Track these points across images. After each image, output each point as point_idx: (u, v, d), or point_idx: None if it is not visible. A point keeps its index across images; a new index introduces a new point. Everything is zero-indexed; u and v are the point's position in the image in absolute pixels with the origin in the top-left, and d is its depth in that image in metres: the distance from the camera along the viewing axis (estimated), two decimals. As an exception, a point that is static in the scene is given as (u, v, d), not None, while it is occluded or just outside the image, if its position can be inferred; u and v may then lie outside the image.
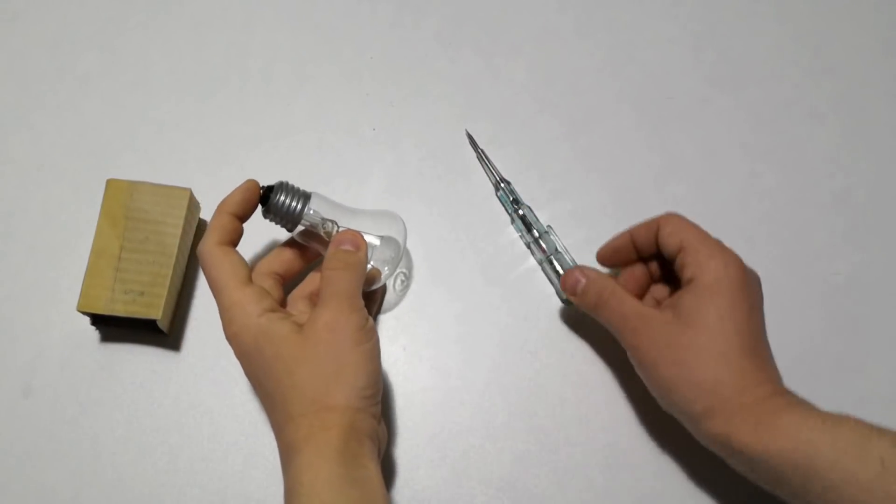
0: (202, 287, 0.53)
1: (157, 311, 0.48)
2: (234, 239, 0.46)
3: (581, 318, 0.52)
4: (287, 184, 0.46)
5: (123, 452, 0.49)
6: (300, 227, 0.46)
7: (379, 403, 0.43)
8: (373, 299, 0.50)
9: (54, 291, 0.52)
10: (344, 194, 0.55)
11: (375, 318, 0.51)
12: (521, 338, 0.52)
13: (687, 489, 0.49)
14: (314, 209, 0.46)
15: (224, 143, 0.57)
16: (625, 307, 0.45)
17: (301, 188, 0.46)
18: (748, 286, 0.43)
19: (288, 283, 0.49)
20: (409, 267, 0.53)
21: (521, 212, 0.53)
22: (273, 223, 0.46)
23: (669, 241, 0.45)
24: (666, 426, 0.50)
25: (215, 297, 0.44)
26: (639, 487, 0.49)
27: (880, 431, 0.38)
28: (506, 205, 0.55)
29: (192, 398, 0.51)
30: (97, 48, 0.59)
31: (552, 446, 0.50)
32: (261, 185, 0.46)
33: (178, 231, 0.49)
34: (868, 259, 0.55)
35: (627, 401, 0.51)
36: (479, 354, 0.52)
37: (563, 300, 0.52)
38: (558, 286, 0.51)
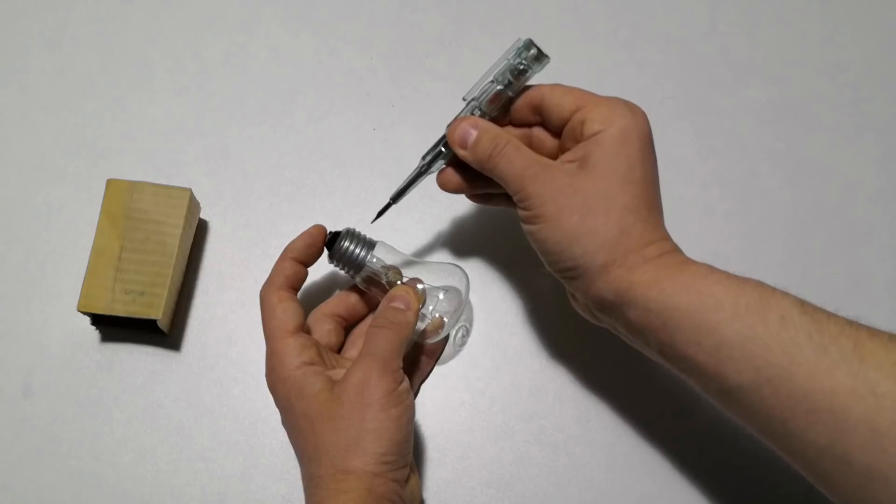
0: (202, 287, 0.53)
1: (157, 311, 0.48)
2: (296, 284, 0.46)
3: (581, 318, 0.53)
4: (353, 231, 0.47)
5: (123, 452, 0.49)
6: (363, 274, 0.47)
7: (406, 467, 0.42)
8: (433, 351, 0.51)
9: (54, 291, 0.52)
10: (344, 194, 0.56)
11: (432, 370, 0.51)
12: (521, 338, 0.52)
13: (687, 489, 0.49)
14: (377, 257, 0.47)
15: (224, 143, 0.57)
16: (524, 153, 0.42)
17: (367, 235, 0.47)
18: (652, 141, 0.42)
19: (351, 325, 0.50)
20: (470, 320, 0.53)
21: (498, 86, 0.45)
22: (337, 268, 0.47)
23: (563, 101, 0.43)
24: (666, 426, 0.50)
25: (265, 342, 0.44)
26: (639, 487, 0.49)
27: (783, 293, 0.37)
28: (483, 98, 0.46)
29: (192, 398, 0.51)
30: (97, 48, 0.59)
31: (552, 446, 0.50)
32: (328, 230, 0.47)
33: (179, 231, 0.49)
34: (868, 259, 0.55)
35: (628, 401, 0.51)
36: (479, 354, 0.52)
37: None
38: None
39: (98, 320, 0.50)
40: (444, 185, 0.47)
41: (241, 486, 0.49)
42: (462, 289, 0.48)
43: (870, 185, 0.57)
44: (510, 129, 0.47)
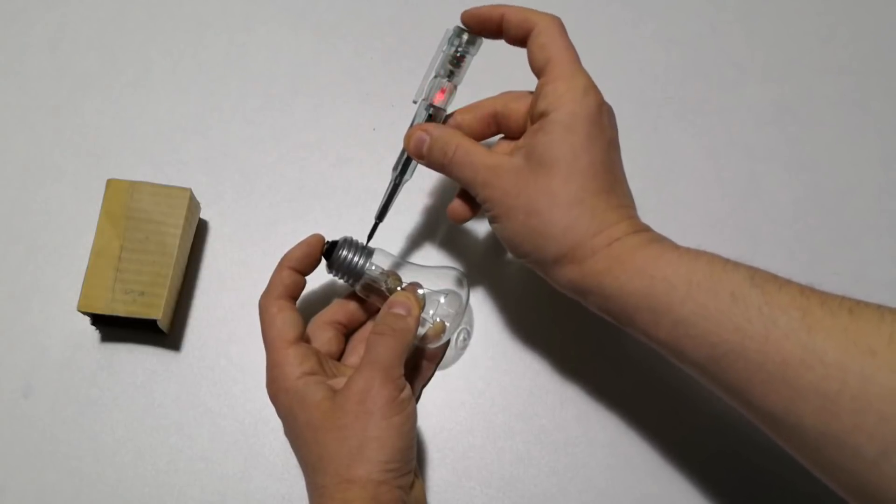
0: (202, 287, 0.53)
1: (157, 311, 0.48)
2: (294, 293, 0.46)
3: (581, 316, 0.53)
4: (350, 239, 0.47)
5: (123, 452, 0.49)
6: (362, 282, 0.47)
7: (410, 473, 0.42)
8: (434, 355, 0.51)
9: (54, 291, 0.52)
10: (344, 195, 0.56)
11: (433, 375, 0.51)
12: (521, 338, 0.52)
13: (687, 489, 0.49)
14: (376, 264, 0.47)
15: (224, 143, 0.57)
16: (473, 159, 0.43)
17: (364, 243, 0.48)
18: (604, 120, 0.42)
19: (351, 332, 0.50)
20: (471, 323, 0.53)
21: (443, 79, 0.47)
22: (336, 278, 0.47)
23: (538, 55, 0.43)
24: (667, 426, 0.50)
25: (265, 352, 0.44)
26: (639, 487, 0.49)
27: (735, 266, 0.38)
28: (432, 94, 0.47)
29: (192, 398, 0.51)
30: (97, 48, 0.59)
31: (552, 446, 0.50)
32: (325, 240, 0.47)
33: (179, 231, 0.49)
34: (868, 259, 0.55)
35: (628, 401, 0.51)
36: (479, 355, 0.52)
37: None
38: None
39: (98, 320, 0.50)
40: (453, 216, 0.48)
41: (241, 486, 0.49)
42: (462, 292, 0.48)
43: (870, 184, 0.57)
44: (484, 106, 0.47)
